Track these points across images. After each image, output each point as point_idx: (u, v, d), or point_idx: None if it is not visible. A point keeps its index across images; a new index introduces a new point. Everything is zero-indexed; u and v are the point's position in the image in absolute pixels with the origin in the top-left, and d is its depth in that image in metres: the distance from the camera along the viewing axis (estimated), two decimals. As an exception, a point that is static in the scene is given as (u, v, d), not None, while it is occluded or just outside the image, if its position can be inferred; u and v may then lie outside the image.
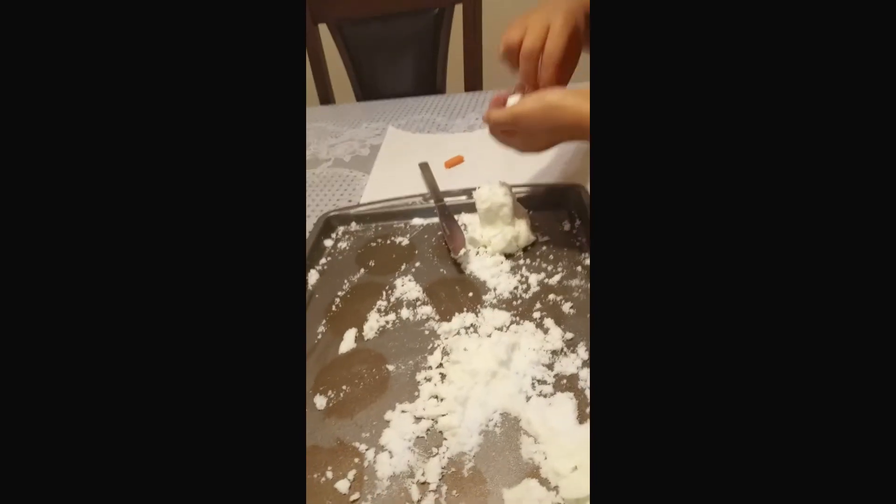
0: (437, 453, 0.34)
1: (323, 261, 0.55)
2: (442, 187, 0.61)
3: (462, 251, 0.51)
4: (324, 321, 0.47)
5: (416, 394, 0.39)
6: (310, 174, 0.75)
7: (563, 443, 0.33)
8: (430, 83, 1.09)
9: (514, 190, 0.52)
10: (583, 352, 0.40)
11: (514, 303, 0.46)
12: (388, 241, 0.56)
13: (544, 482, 0.32)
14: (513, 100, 0.48)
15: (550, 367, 0.39)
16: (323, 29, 1.09)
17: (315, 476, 0.34)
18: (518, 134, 0.48)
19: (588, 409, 0.35)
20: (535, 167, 0.64)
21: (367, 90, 1.14)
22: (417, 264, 0.52)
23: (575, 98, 0.42)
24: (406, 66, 1.09)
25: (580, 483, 0.31)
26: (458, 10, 1.03)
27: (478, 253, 0.52)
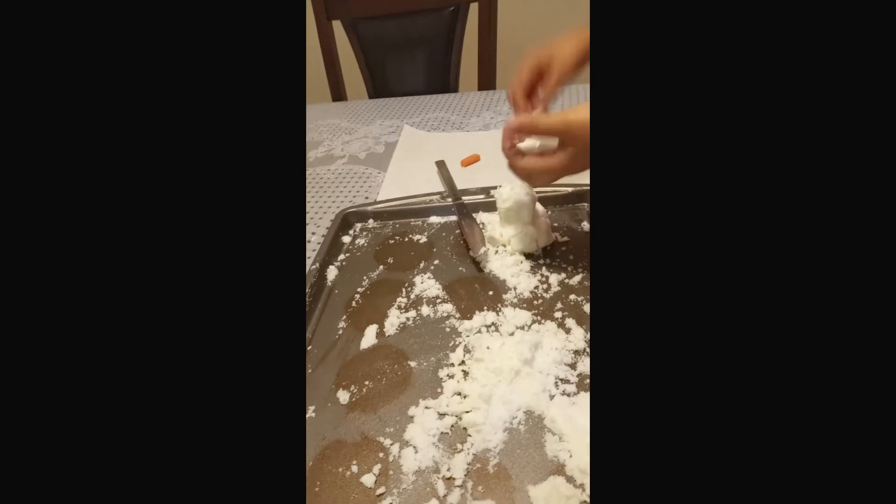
0: (462, 449, 0.35)
1: (342, 257, 0.55)
2: (459, 186, 0.61)
3: (482, 250, 0.51)
4: (344, 317, 0.47)
5: (440, 390, 0.39)
6: (325, 171, 0.75)
7: (588, 441, 0.33)
8: (441, 81, 1.09)
9: (534, 190, 0.52)
10: (605, 352, 0.40)
11: (535, 302, 0.46)
12: (406, 239, 0.57)
13: (570, 480, 0.32)
14: (528, 143, 0.46)
15: (573, 366, 0.39)
16: (336, 26, 1.09)
17: (340, 470, 0.34)
18: (565, 150, 0.42)
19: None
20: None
21: (378, 87, 1.14)
22: (436, 262, 0.53)
23: None
24: (419, 63, 1.10)
25: (607, 482, 0.31)
26: (473, 8, 1.04)
27: (497, 252, 0.52)
